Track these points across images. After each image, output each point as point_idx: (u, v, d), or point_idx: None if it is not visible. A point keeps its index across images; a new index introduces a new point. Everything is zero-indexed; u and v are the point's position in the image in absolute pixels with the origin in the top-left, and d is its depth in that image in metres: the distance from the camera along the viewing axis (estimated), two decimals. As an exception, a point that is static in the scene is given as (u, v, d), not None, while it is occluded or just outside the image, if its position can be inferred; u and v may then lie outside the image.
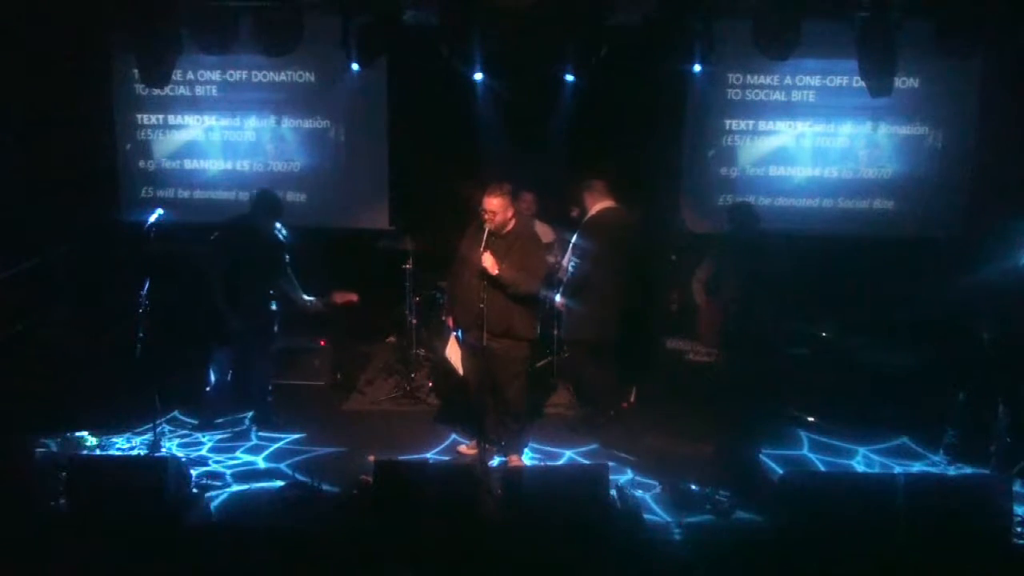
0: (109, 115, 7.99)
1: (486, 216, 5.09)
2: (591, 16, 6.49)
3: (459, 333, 5.49)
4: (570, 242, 6.05)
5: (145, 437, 5.65)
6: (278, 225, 5.85)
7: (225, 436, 5.89)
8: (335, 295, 6.11)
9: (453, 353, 5.54)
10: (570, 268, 5.97)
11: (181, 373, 6.17)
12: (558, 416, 6.39)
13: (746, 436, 5.63)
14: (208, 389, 5.92)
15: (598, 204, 5.96)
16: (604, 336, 5.98)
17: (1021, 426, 5.18)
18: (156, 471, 4.70)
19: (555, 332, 6.98)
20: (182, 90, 7.89)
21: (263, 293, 5.74)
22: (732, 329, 5.49)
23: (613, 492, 4.80)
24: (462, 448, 5.73)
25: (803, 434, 6.01)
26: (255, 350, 5.86)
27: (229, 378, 5.95)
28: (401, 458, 5.37)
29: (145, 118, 8.02)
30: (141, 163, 8.11)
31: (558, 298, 5.98)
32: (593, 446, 5.81)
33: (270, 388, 6.09)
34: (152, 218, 5.53)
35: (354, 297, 6.20)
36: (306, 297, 5.95)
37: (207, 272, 5.62)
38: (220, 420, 6.00)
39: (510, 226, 5.20)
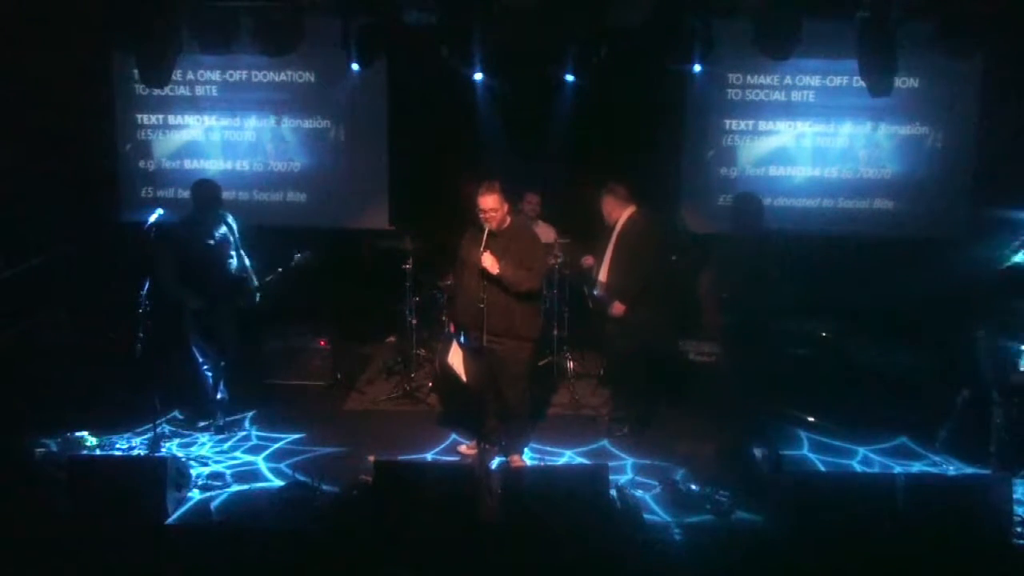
0: (109, 115, 7.99)
1: (485, 216, 5.09)
2: (591, 16, 6.49)
3: (461, 338, 5.48)
4: (607, 246, 5.91)
5: (145, 437, 5.65)
6: (224, 213, 5.89)
7: (225, 436, 5.89)
8: (296, 258, 6.12)
9: (456, 359, 5.53)
10: (601, 280, 5.90)
11: (181, 373, 6.17)
12: (558, 416, 6.40)
13: (747, 435, 5.64)
14: (204, 384, 5.94)
15: (626, 209, 5.82)
16: (662, 339, 5.96)
17: (1019, 424, 5.18)
18: (156, 471, 4.70)
19: (555, 332, 6.99)
20: (182, 90, 7.90)
21: (220, 284, 5.77)
22: (730, 325, 5.49)
23: (613, 492, 4.80)
24: (462, 448, 5.73)
25: (803, 434, 6.01)
26: (216, 330, 5.91)
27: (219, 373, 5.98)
28: (401, 458, 5.38)
29: (145, 118, 8.03)
30: (141, 163, 8.11)
31: (616, 305, 5.75)
32: (593, 446, 5.81)
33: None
34: (152, 218, 5.54)
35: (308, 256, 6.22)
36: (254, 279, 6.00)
37: (156, 270, 5.61)
38: (226, 420, 6.02)
39: (507, 223, 5.20)
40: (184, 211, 6.01)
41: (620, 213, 5.85)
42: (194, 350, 5.86)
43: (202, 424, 5.97)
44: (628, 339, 5.83)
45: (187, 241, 5.71)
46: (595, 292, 6.03)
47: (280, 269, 6.06)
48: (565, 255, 6.80)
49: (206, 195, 5.85)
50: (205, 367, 5.89)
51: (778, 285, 5.43)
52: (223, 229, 5.84)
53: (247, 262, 5.98)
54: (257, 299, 5.98)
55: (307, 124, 8.04)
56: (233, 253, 5.89)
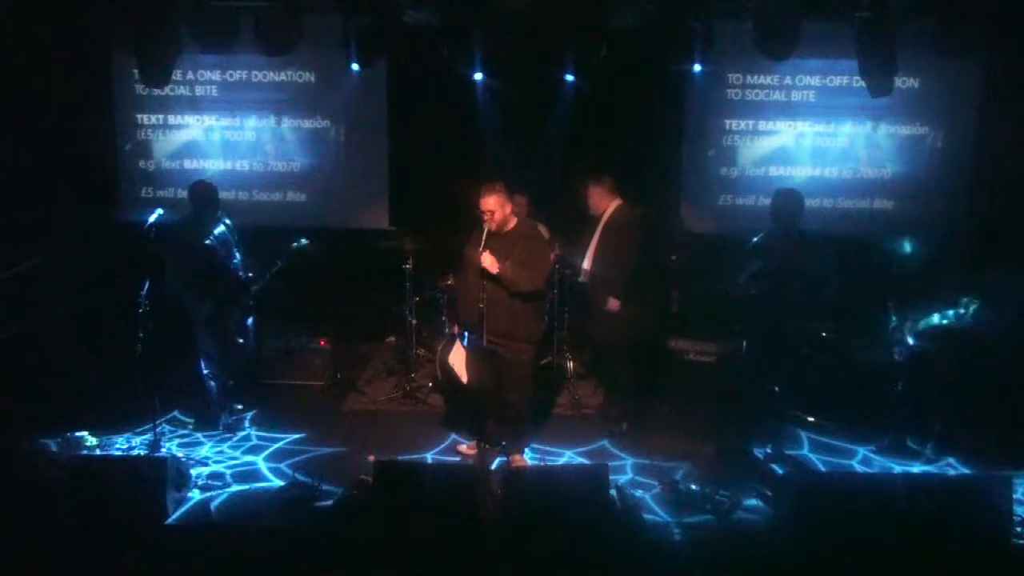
0: (109, 115, 7.99)
1: (485, 217, 5.11)
2: (591, 16, 6.49)
3: (464, 338, 5.49)
4: (587, 241, 5.98)
5: (145, 437, 5.65)
6: (222, 214, 5.88)
7: (225, 436, 5.89)
8: (294, 246, 6.08)
9: (456, 359, 5.54)
10: (585, 268, 5.92)
11: (181, 373, 6.17)
12: (558, 416, 6.40)
13: (748, 434, 5.65)
14: (209, 392, 5.93)
15: (612, 202, 5.90)
16: (647, 336, 6.04)
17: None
18: (156, 471, 4.70)
19: (555, 333, 6.99)
20: (182, 90, 7.89)
21: (218, 285, 5.75)
22: (760, 322, 5.52)
23: (613, 492, 4.80)
24: (462, 448, 5.73)
25: (803, 434, 6.02)
26: (231, 332, 5.91)
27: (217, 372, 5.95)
28: (401, 458, 5.38)
29: (145, 118, 8.02)
30: (141, 163, 8.11)
31: (612, 301, 5.81)
32: (593, 446, 5.81)
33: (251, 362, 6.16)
34: (152, 218, 5.54)
35: (304, 244, 6.14)
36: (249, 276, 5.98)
37: (164, 275, 5.62)
38: (231, 419, 6.01)
39: (511, 224, 5.21)
40: (184, 211, 6.02)
41: (606, 204, 5.93)
42: (200, 356, 5.85)
43: (207, 433, 5.96)
44: (612, 333, 5.87)
45: (188, 243, 5.69)
46: (579, 280, 6.07)
47: (279, 262, 6.02)
48: (564, 254, 6.80)
49: (203, 196, 5.83)
50: (207, 372, 5.87)
51: (821, 286, 5.45)
52: (221, 230, 5.83)
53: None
54: (251, 302, 5.97)
55: (307, 124, 8.03)
56: (236, 254, 5.87)
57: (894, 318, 5.64)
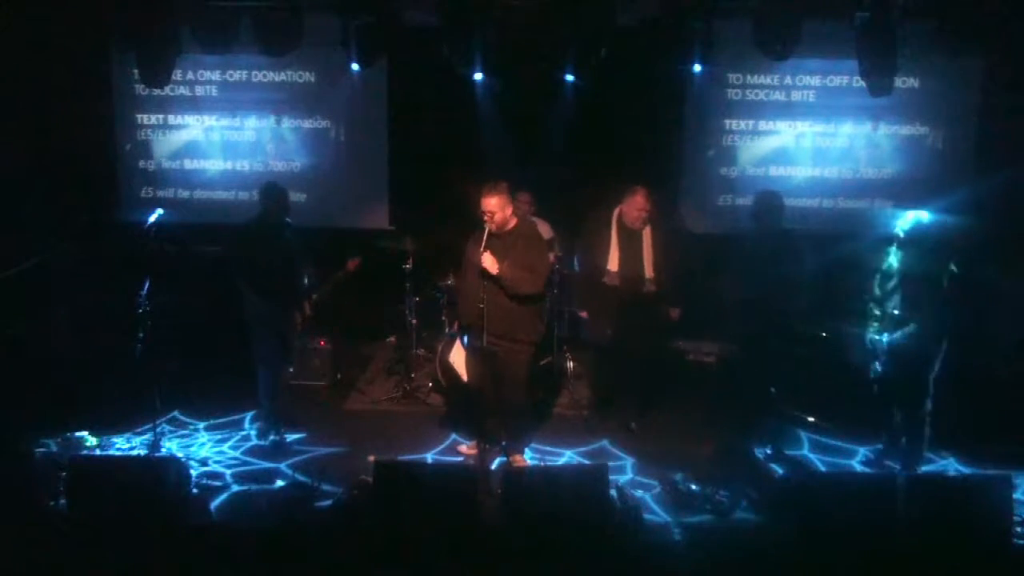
0: (109, 115, 7.99)
1: (485, 217, 5.10)
2: (591, 16, 6.49)
3: (464, 338, 5.48)
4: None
5: (145, 437, 5.65)
6: (288, 220, 5.85)
7: (225, 436, 5.89)
8: (348, 264, 6.10)
9: (457, 358, 5.54)
10: (612, 270, 5.92)
11: (181, 373, 6.17)
12: (558, 416, 6.40)
13: (748, 433, 5.65)
14: (267, 400, 5.82)
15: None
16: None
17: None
18: (156, 471, 4.71)
19: (555, 333, 6.98)
20: (182, 90, 7.90)
21: (292, 289, 5.73)
22: (752, 325, 5.52)
23: (613, 492, 4.80)
24: (462, 448, 5.73)
25: (803, 434, 6.02)
26: (284, 345, 5.85)
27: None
28: (401, 458, 5.38)
29: (145, 118, 8.03)
30: (141, 163, 8.11)
31: (675, 311, 6.00)
32: (593, 446, 5.81)
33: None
34: (152, 218, 5.54)
35: (358, 260, 6.22)
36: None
37: (235, 274, 5.60)
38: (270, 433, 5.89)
39: (511, 224, 5.20)
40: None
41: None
42: (258, 365, 5.77)
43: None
44: (654, 338, 5.95)
45: (261, 243, 5.60)
46: (645, 289, 5.90)
47: (340, 273, 5.99)
48: (564, 254, 6.80)
49: (277, 197, 5.74)
50: (263, 383, 5.76)
51: (803, 285, 5.45)
52: (288, 234, 5.74)
53: None
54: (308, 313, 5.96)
55: (307, 124, 8.03)
56: (297, 259, 5.80)
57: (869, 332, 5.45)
